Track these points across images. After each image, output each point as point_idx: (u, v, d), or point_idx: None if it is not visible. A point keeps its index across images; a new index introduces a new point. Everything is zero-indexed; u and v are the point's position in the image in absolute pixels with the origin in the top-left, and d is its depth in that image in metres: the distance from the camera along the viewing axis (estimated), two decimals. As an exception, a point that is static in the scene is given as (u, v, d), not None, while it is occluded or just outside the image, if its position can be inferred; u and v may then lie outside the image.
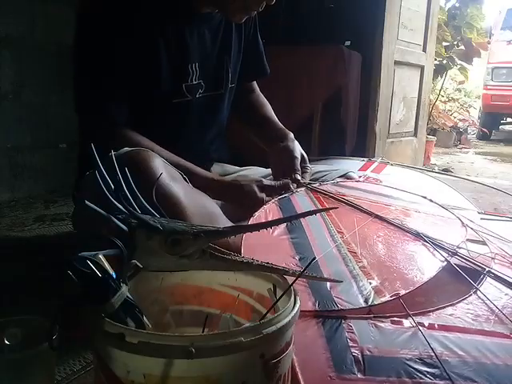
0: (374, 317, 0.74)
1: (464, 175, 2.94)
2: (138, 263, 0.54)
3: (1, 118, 1.83)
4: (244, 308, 0.64)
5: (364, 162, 2.18)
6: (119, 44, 1.00)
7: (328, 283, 0.79)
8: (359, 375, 0.65)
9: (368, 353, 0.68)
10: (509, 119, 6.80)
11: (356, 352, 0.68)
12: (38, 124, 1.98)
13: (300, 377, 0.61)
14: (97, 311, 0.48)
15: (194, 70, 1.13)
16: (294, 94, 2.30)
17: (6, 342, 0.64)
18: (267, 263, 0.59)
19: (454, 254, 0.92)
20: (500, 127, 6.89)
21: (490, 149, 5.19)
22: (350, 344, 0.69)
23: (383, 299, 0.78)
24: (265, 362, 0.49)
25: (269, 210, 1.00)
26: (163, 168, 0.90)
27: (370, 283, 0.81)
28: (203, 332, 0.62)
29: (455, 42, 4.30)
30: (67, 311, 0.49)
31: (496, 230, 1.50)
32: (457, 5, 4.34)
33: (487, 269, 0.89)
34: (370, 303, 0.76)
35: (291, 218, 0.78)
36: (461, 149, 4.97)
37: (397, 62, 2.55)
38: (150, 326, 0.53)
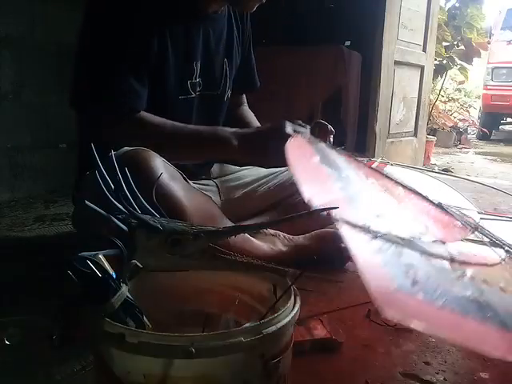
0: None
1: (464, 175, 2.94)
2: (138, 263, 0.54)
3: (1, 117, 1.83)
4: (244, 308, 0.64)
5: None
6: (130, 34, 0.99)
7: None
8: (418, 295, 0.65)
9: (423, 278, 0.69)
10: (509, 119, 6.80)
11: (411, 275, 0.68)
12: (38, 124, 1.98)
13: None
14: (97, 311, 0.48)
15: (196, 68, 1.13)
16: (294, 94, 2.30)
17: (6, 341, 0.64)
18: (267, 263, 0.59)
19: (476, 228, 0.96)
20: (500, 127, 6.89)
21: (490, 149, 5.19)
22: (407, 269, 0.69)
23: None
24: (265, 362, 0.49)
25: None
26: (163, 168, 0.90)
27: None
28: (203, 332, 0.62)
29: (455, 42, 4.30)
30: (67, 311, 0.49)
31: (495, 231, 1.51)
32: (457, 5, 4.34)
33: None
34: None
35: (290, 219, 0.77)
36: (461, 149, 4.97)
37: (397, 62, 2.55)
38: (150, 326, 0.53)
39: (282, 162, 1.03)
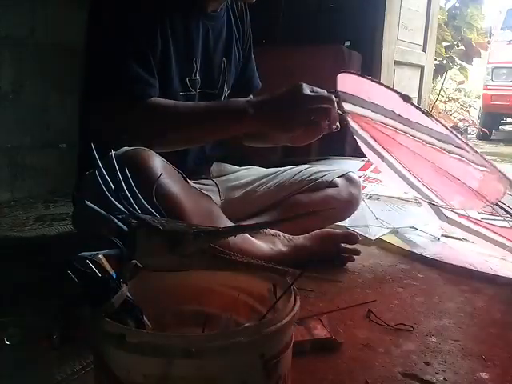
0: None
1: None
2: (138, 263, 0.54)
3: (1, 117, 1.83)
4: (244, 308, 0.64)
5: (364, 162, 2.18)
6: (134, 31, 0.99)
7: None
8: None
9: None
10: (509, 119, 6.79)
11: None
12: (38, 124, 1.98)
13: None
14: (97, 311, 0.48)
15: (196, 65, 1.13)
16: (294, 94, 2.29)
17: (6, 341, 0.64)
18: (267, 263, 0.59)
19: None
20: (500, 127, 6.88)
21: (490, 149, 5.19)
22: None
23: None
24: (265, 362, 0.49)
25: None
26: (163, 168, 0.90)
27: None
28: (203, 332, 0.62)
29: (455, 42, 4.31)
30: (67, 311, 0.49)
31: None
32: (457, 5, 4.35)
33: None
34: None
35: (290, 219, 0.78)
36: (461, 149, 4.96)
37: (397, 62, 2.55)
38: (150, 325, 0.53)
39: (302, 123, 1.00)
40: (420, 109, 1.04)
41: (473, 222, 1.27)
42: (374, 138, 1.10)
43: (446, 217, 1.33)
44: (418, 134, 1.04)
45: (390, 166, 1.15)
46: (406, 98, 0.90)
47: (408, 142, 1.07)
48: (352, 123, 1.09)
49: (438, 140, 1.02)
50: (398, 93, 0.93)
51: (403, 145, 1.08)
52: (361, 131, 1.10)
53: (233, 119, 1.02)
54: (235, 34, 1.24)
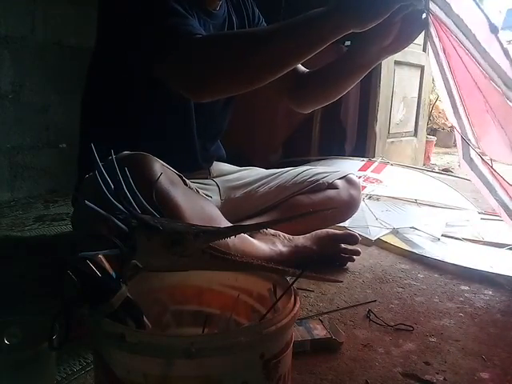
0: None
1: (464, 175, 2.94)
2: (138, 263, 0.54)
3: (1, 117, 1.83)
4: (244, 308, 0.64)
5: (364, 162, 2.18)
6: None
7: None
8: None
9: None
10: (509, 119, 6.80)
11: None
12: (38, 124, 1.98)
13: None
14: (97, 311, 0.48)
15: None
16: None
17: (6, 341, 0.64)
18: (267, 263, 0.59)
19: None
20: (500, 127, 6.88)
21: (490, 149, 5.19)
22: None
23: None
24: (265, 362, 0.49)
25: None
26: (162, 172, 0.89)
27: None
28: (203, 332, 0.62)
29: (455, 42, 4.30)
30: (67, 311, 0.49)
31: (495, 230, 1.51)
32: (457, 5, 4.34)
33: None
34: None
35: (290, 219, 0.78)
36: (461, 149, 4.95)
37: (397, 62, 2.55)
38: (150, 325, 0.53)
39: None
40: (502, 46, 0.88)
41: (492, 174, 1.21)
42: (444, 50, 0.98)
43: (470, 158, 1.24)
44: (490, 72, 0.94)
45: (446, 82, 1.05)
46: (495, 29, 0.77)
47: (475, 72, 0.96)
48: (432, 25, 0.96)
49: (506, 85, 0.90)
50: (487, 19, 0.79)
51: (469, 71, 0.97)
52: (435, 38, 0.97)
53: (320, 21, 0.86)
54: (236, 27, 1.23)
